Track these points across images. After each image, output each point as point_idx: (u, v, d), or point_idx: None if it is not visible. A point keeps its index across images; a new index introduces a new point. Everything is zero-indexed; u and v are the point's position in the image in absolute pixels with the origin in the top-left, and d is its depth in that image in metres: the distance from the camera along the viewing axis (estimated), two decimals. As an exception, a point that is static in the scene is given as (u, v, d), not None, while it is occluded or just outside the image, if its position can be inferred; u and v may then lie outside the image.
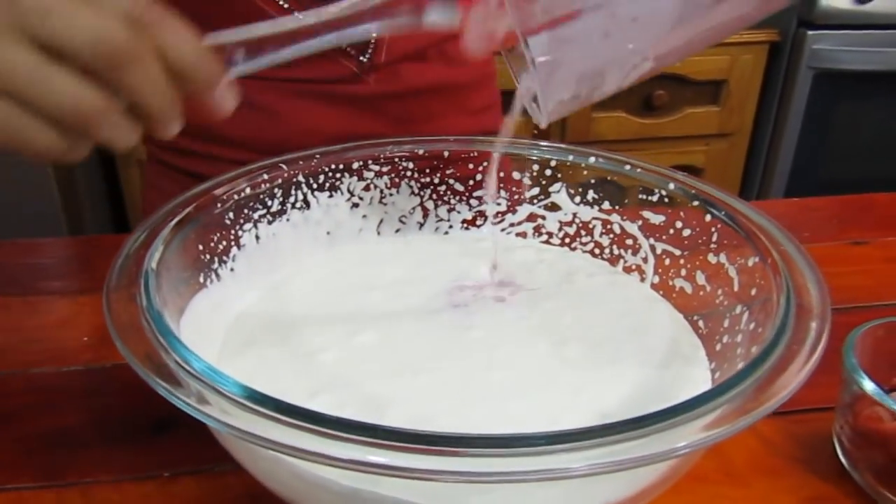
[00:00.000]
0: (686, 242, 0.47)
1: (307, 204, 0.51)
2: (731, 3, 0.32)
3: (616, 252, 0.51)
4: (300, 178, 0.50)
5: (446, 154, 0.53)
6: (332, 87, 0.69)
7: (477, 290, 0.47)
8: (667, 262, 0.48)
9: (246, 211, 0.47)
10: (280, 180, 0.49)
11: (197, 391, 0.28)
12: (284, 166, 0.49)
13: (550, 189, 0.53)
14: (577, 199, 0.52)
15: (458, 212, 0.56)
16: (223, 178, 0.46)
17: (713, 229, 0.44)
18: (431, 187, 0.55)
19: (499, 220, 0.55)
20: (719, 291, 0.43)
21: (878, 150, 1.86)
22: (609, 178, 0.51)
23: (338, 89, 0.69)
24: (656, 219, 0.48)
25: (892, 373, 0.46)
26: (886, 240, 0.72)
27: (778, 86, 1.82)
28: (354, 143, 0.52)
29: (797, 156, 1.85)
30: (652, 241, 0.49)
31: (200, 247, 0.43)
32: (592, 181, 0.52)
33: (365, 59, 0.69)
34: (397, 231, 0.55)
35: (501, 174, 0.54)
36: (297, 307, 0.46)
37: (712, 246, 0.44)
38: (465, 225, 0.56)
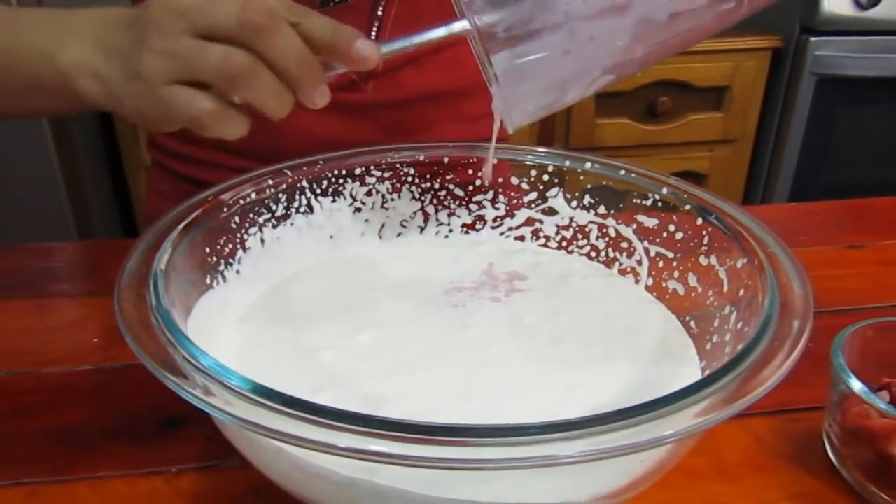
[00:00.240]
0: (679, 245, 0.48)
1: (311, 209, 0.52)
2: (685, 19, 0.34)
3: (612, 255, 0.52)
4: (304, 183, 0.52)
5: (446, 160, 0.54)
6: (333, 96, 0.71)
7: (474, 290, 0.48)
8: (660, 264, 0.49)
9: (251, 215, 0.49)
10: (285, 185, 0.50)
11: (203, 385, 0.29)
12: (289, 172, 0.51)
13: (548, 194, 0.54)
14: (574, 203, 0.54)
15: (458, 216, 0.57)
16: (230, 183, 0.48)
17: (704, 232, 0.45)
18: (432, 192, 0.56)
19: (498, 224, 0.57)
20: (710, 293, 0.45)
21: (882, 155, 1.86)
22: (605, 182, 0.52)
23: (337, 97, 0.70)
24: (650, 222, 0.50)
25: (881, 372, 0.47)
26: (882, 243, 0.73)
27: (781, 92, 1.83)
28: (357, 149, 0.54)
29: (800, 161, 1.85)
30: (646, 244, 0.50)
31: (207, 249, 0.44)
32: (589, 186, 0.53)
33: None
34: (399, 235, 0.56)
35: (500, 179, 0.55)
36: (299, 308, 0.47)
37: (703, 248, 0.46)
38: (465, 229, 0.57)
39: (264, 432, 0.26)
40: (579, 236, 0.54)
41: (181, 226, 0.42)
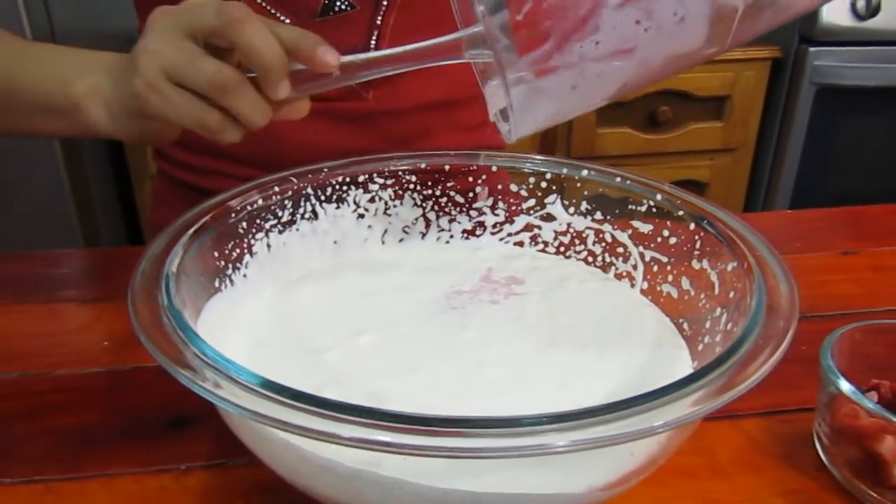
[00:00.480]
0: (672, 250, 0.49)
1: (315, 215, 0.54)
2: (682, 58, 0.37)
3: (608, 259, 0.54)
4: (309, 190, 0.53)
5: (447, 168, 0.56)
6: (332, 105, 0.72)
7: (473, 293, 0.50)
8: (655, 268, 0.51)
9: (258, 221, 0.50)
10: (290, 192, 0.52)
11: (214, 380, 0.30)
12: (294, 179, 0.52)
13: (546, 200, 0.56)
14: (572, 209, 0.55)
15: (459, 222, 0.58)
16: (238, 190, 0.49)
17: (697, 237, 0.47)
18: (433, 199, 0.58)
19: (497, 230, 0.58)
20: (702, 296, 0.46)
21: (882, 165, 1.88)
22: (601, 189, 0.53)
23: (337, 107, 0.72)
24: (645, 228, 0.51)
25: (870, 374, 0.48)
26: (875, 250, 0.75)
27: (781, 101, 1.85)
28: (360, 157, 0.55)
29: (800, 170, 1.87)
30: (641, 248, 0.52)
31: (216, 253, 0.46)
32: (585, 193, 0.54)
33: None
34: (401, 241, 0.58)
35: (499, 186, 0.57)
36: (304, 310, 0.49)
37: (696, 253, 0.47)
38: (466, 235, 0.59)
39: (273, 423, 0.28)
40: (576, 241, 0.55)
41: (191, 230, 0.43)
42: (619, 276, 0.53)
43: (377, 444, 0.27)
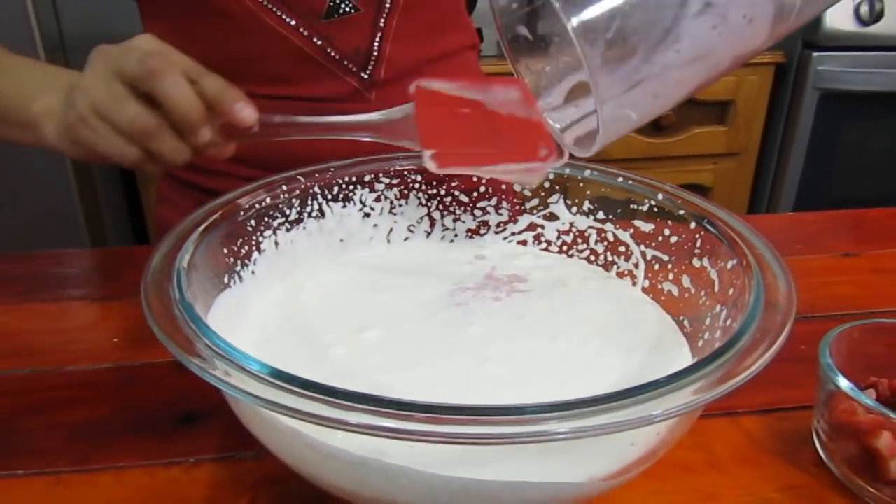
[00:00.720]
0: (673, 249, 0.50)
1: (322, 213, 0.55)
2: (744, 58, 0.40)
3: (610, 258, 0.55)
4: (316, 189, 0.54)
5: None
6: (334, 105, 0.74)
7: (476, 291, 0.50)
8: (656, 267, 0.52)
9: (266, 219, 0.51)
10: (297, 191, 0.53)
11: (224, 370, 0.31)
12: (302, 178, 0.53)
13: (549, 200, 0.57)
14: (574, 209, 0.56)
15: (463, 221, 0.59)
16: (246, 188, 0.50)
17: (697, 236, 0.48)
18: (438, 198, 0.58)
19: (501, 229, 0.59)
20: (702, 293, 0.47)
21: (885, 169, 1.88)
22: (603, 189, 0.54)
23: (339, 107, 0.74)
24: (646, 227, 0.52)
25: (868, 373, 0.49)
26: (876, 252, 0.75)
27: (784, 106, 1.85)
28: (366, 157, 0.56)
29: (804, 175, 1.87)
30: (643, 247, 0.52)
31: (225, 250, 0.47)
32: (588, 193, 0.55)
33: (366, 76, 0.73)
34: (406, 239, 0.58)
35: (503, 186, 0.58)
36: (311, 307, 0.50)
37: (696, 251, 0.48)
38: (470, 234, 0.59)
39: (282, 410, 0.29)
40: (579, 241, 0.56)
41: (201, 227, 0.44)
42: (620, 275, 0.54)
43: (384, 431, 0.28)
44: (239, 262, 0.48)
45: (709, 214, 0.47)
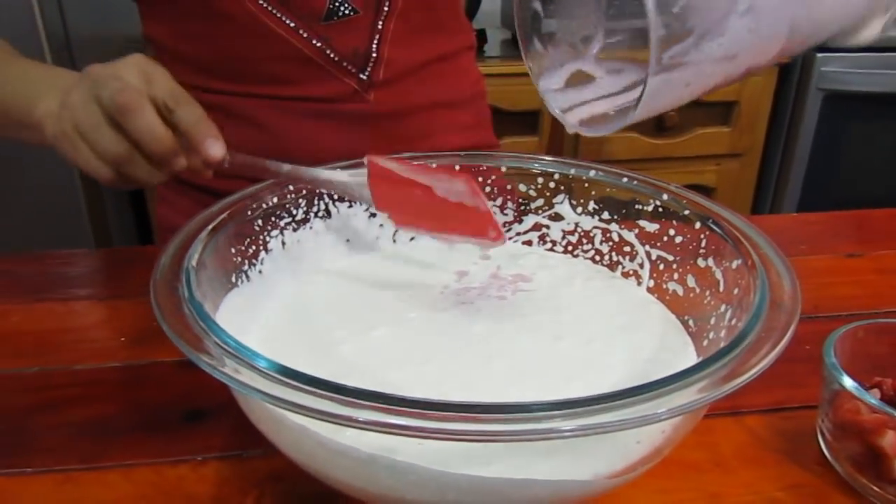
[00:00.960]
0: (678, 249, 0.50)
1: (328, 213, 0.55)
2: (759, 67, 0.41)
3: (615, 258, 0.55)
4: (322, 189, 0.54)
5: (457, 168, 0.57)
6: (333, 106, 0.74)
7: (482, 290, 0.51)
8: (661, 266, 0.52)
9: (273, 219, 0.51)
10: (304, 192, 0.53)
11: (234, 367, 0.32)
12: (308, 179, 0.53)
13: (554, 200, 0.57)
14: (579, 209, 0.56)
15: (468, 222, 0.60)
16: (254, 189, 0.51)
17: (702, 236, 0.48)
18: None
19: (506, 229, 0.59)
20: (707, 293, 0.47)
21: (889, 170, 1.88)
22: (608, 190, 0.54)
23: (339, 108, 0.74)
24: (651, 227, 0.52)
25: (872, 372, 0.49)
26: (879, 253, 0.76)
27: (788, 107, 1.85)
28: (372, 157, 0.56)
29: (808, 175, 1.87)
30: (647, 247, 0.53)
31: (233, 250, 0.47)
32: (593, 193, 0.55)
33: (365, 77, 0.74)
34: (411, 239, 0.59)
35: (508, 186, 0.58)
36: (318, 306, 0.50)
37: (701, 251, 0.48)
38: (475, 234, 0.60)
39: (291, 407, 0.29)
40: (584, 241, 0.56)
41: (209, 227, 0.44)
42: (625, 275, 0.54)
43: (392, 427, 0.28)
44: (246, 262, 0.49)
45: (713, 215, 0.47)
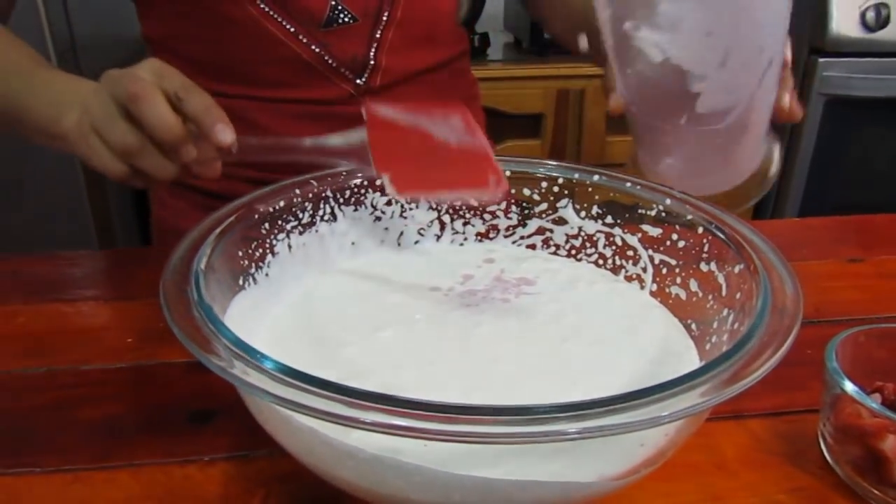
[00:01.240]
0: (681, 253, 0.51)
1: (334, 217, 0.56)
2: None
3: (618, 262, 0.55)
4: (328, 193, 0.55)
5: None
6: (330, 109, 0.75)
7: (486, 293, 0.51)
8: (664, 271, 0.52)
9: (280, 222, 0.52)
10: (310, 195, 0.54)
11: (242, 369, 0.32)
12: (314, 182, 0.54)
13: (558, 205, 0.57)
14: (583, 213, 0.57)
15: (473, 225, 0.60)
16: (261, 192, 0.51)
17: (705, 241, 0.48)
18: (448, 203, 0.59)
19: (510, 232, 0.60)
20: (710, 297, 0.47)
21: (891, 175, 1.88)
22: (612, 194, 0.55)
23: (335, 110, 0.75)
24: (654, 232, 0.53)
25: (874, 377, 0.50)
26: (881, 258, 0.76)
27: (790, 111, 1.85)
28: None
29: (809, 181, 1.87)
30: (651, 252, 0.53)
31: (240, 253, 0.48)
32: (597, 197, 0.56)
33: (361, 82, 0.75)
34: (416, 242, 0.59)
35: (513, 190, 0.58)
36: (324, 309, 0.50)
37: (704, 256, 0.48)
38: (479, 237, 0.60)
39: (299, 409, 0.29)
40: (587, 245, 0.57)
41: (217, 230, 0.45)
42: (628, 279, 0.55)
43: (398, 429, 0.28)
44: (253, 265, 0.49)
45: (716, 219, 0.48)
